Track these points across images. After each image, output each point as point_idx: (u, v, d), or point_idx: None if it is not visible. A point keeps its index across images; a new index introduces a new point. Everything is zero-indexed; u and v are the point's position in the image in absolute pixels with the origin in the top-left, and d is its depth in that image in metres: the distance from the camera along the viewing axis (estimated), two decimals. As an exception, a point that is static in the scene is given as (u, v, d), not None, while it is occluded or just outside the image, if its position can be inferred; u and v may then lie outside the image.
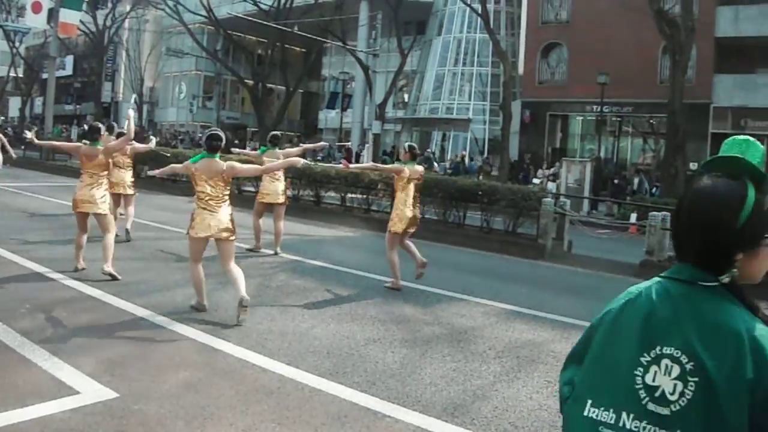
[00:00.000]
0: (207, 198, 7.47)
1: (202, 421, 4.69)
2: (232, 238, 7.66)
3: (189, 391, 5.19)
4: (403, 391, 5.51)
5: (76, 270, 9.14)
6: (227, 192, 7.67)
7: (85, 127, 10.14)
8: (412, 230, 9.70)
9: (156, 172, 8.71)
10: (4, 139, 17.71)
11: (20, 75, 59.99)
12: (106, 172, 9.46)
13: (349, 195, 17.88)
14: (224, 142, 7.80)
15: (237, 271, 7.54)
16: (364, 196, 17.45)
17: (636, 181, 29.13)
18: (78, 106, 60.48)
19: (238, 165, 7.99)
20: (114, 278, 8.71)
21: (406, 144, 10.01)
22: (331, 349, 6.49)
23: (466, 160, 35.98)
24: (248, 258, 11.26)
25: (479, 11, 33.10)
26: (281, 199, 11.95)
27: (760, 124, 29.98)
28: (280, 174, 11.88)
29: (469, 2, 36.95)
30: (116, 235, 11.89)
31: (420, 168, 9.85)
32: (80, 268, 9.19)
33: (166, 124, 59.21)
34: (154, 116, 63.49)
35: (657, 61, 31.84)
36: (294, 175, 18.57)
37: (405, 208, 9.49)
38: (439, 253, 13.73)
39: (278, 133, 12.37)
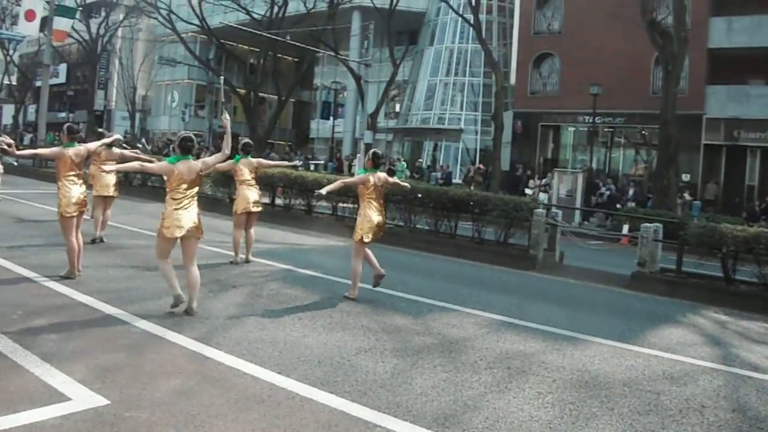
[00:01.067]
0: (182, 197, 7.73)
1: (192, 428, 4.69)
2: (201, 236, 7.97)
3: (180, 399, 5.18)
4: (394, 401, 5.51)
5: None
6: (196, 191, 7.95)
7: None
8: (378, 237, 9.63)
9: (119, 167, 9.04)
10: None
11: (14, 83, 59.91)
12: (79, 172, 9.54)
13: (341, 204, 17.87)
14: (195, 144, 8.09)
15: (196, 277, 7.84)
16: (355, 205, 17.41)
17: (630, 192, 29.20)
18: (71, 114, 60.26)
19: (207, 159, 8.36)
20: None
21: (371, 152, 9.93)
22: (322, 358, 6.49)
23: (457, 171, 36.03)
24: (241, 267, 11.24)
25: (471, 21, 33.25)
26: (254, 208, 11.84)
27: (753, 136, 30.10)
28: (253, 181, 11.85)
29: (461, 12, 37.13)
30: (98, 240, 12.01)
31: (383, 175, 9.79)
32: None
33: (158, 132, 59.13)
34: (146, 124, 63.41)
35: (649, 71, 31.92)
36: (285, 184, 18.58)
37: (372, 215, 9.46)
38: (430, 263, 13.76)
39: (249, 140, 12.27)
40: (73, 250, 9.20)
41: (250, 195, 11.69)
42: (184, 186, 7.75)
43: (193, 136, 8.15)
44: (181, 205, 7.71)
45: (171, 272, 7.78)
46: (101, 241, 12.35)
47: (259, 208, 11.95)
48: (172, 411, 4.92)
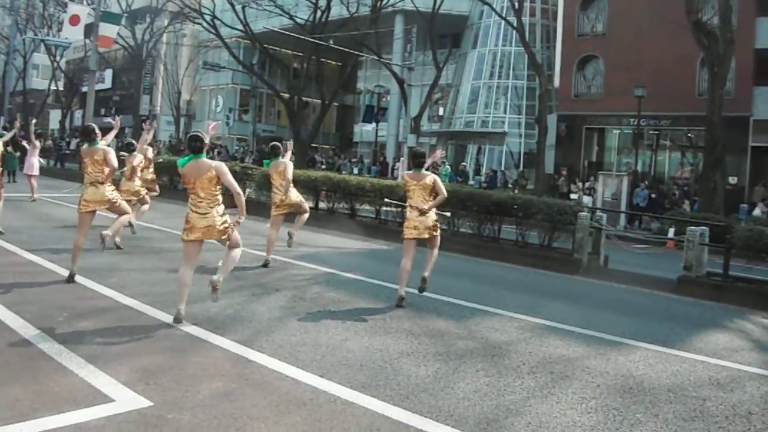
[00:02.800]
0: (198, 200, 7.50)
1: (234, 431, 4.71)
2: (224, 237, 7.62)
3: (222, 401, 5.21)
4: (436, 405, 5.48)
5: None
6: (218, 193, 7.59)
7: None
8: (424, 236, 9.56)
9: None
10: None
11: (60, 88, 61.08)
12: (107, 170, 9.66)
13: (384, 208, 17.89)
14: (204, 142, 7.58)
15: (235, 256, 7.73)
16: (399, 209, 17.43)
17: (675, 194, 28.76)
18: (117, 119, 61.34)
19: (225, 169, 7.63)
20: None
21: (411, 151, 9.90)
22: (363, 361, 6.48)
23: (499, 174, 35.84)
24: (284, 270, 11.31)
25: (514, 24, 33.12)
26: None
27: (801, 137, 29.48)
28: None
29: (504, 15, 36.97)
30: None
31: (426, 174, 9.53)
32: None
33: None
34: (191, 129, 64.09)
35: (695, 73, 31.47)
36: (329, 188, 18.66)
37: (412, 215, 9.50)
38: (473, 266, 13.71)
39: (278, 143, 12.33)
40: (77, 247, 9.32)
41: (281, 197, 11.78)
42: (196, 187, 7.46)
43: (201, 135, 7.62)
44: (198, 208, 7.49)
45: (184, 283, 7.50)
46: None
47: (284, 211, 11.91)
48: (214, 413, 4.95)
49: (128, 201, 12.57)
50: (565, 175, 32.25)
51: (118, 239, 11.99)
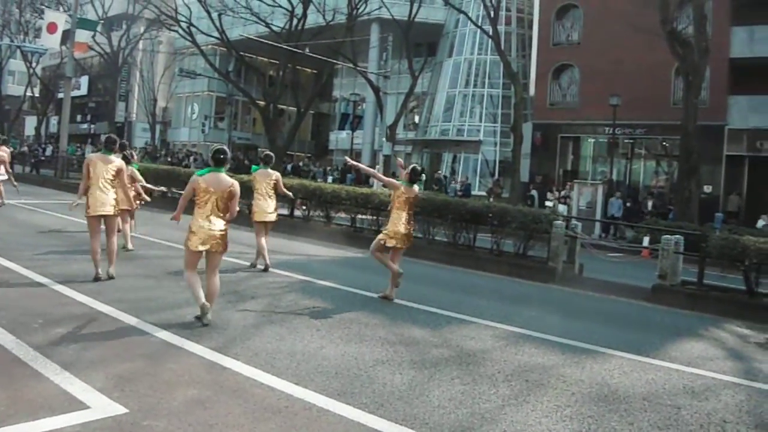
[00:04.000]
0: (208, 211, 7.76)
1: (209, 439, 4.70)
2: (223, 251, 7.98)
3: (197, 408, 5.19)
4: (411, 413, 5.49)
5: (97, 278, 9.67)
6: (228, 208, 7.93)
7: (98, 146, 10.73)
8: (404, 247, 10.11)
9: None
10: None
11: (36, 95, 60.62)
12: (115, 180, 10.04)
13: (359, 216, 17.88)
14: (229, 157, 8.04)
15: (215, 287, 7.96)
16: (374, 217, 17.44)
17: (649, 203, 28.93)
18: (92, 126, 60.92)
19: (237, 190, 8.01)
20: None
21: (411, 166, 10.21)
22: (339, 369, 6.48)
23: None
24: (259, 278, 11.28)
25: (490, 33, 33.25)
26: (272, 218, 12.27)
27: (777, 147, 29.79)
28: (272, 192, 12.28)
29: (479, 24, 37.13)
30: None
31: (416, 189, 10.14)
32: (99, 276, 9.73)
33: (178, 143, 59.45)
34: (166, 136, 63.83)
35: (670, 82, 31.70)
36: (304, 196, 18.62)
37: (399, 224, 9.94)
38: (448, 275, 13.73)
39: (270, 152, 12.60)
40: (94, 251, 9.76)
41: (265, 205, 12.07)
42: (212, 199, 7.75)
43: (226, 149, 8.07)
44: (207, 220, 7.74)
45: (196, 283, 7.79)
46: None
47: (274, 218, 12.31)
48: (189, 420, 4.93)
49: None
50: (539, 185, 32.42)
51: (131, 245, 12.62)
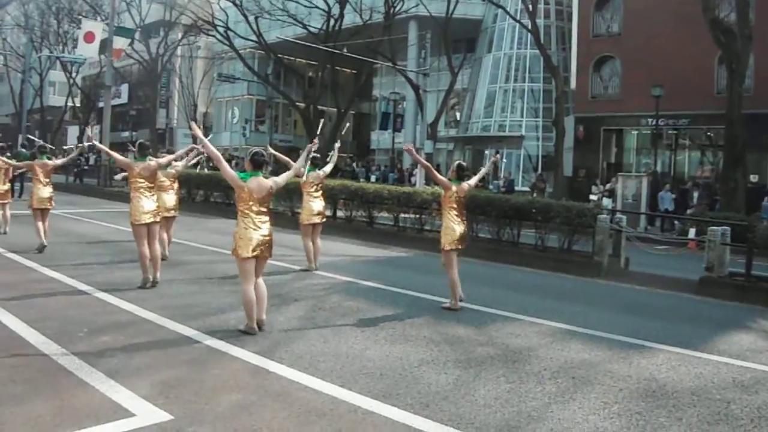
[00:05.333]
0: (253, 216, 7.68)
1: (254, 444, 4.71)
2: (269, 255, 7.90)
3: (242, 413, 5.21)
4: (457, 413, 5.45)
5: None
6: (267, 209, 7.92)
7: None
8: (462, 246, 9.76)
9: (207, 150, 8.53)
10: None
11: (77, 104, 61.51)
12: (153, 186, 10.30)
13: (402, 215, 17.86)
14: (267, 159, 8.20)
15: (263, 290, 7.87)
16: (417, 215, 17.40)
17: (695, 195, 28.42)
18: (134, 133, 61.64)
19: (277, 178, 8.09)
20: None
21: (456, 163, 10.11)
22: (384, 370, 6.46)
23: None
24: (302, 280, 11.33)
25: (529, 27, 32.99)
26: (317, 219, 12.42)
27: (823, 134, 29.14)
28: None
29: (518, 18, 36.88)
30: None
31: (465, 186, 9.88)
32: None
33: (220, 148, 59.82)
34: (206, 151, 64.23)
35: (713, 71, 31.18)
36: (347, 196, 18.67)
37: (454, 225, 9.63)
38: (493, 272, 13.66)
39: (318, 155, 12.66)
40: (143, 256, 9.95)
41: (314, 206, 12.26)
42: (255, 204, 7.67)
43: (263, 152, 8.10)
44: (253, 224, 7.63)
45: (252, 302, 7.61)
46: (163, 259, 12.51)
47: (322, 219, 12.51)
48: (234, 425, 4.95)
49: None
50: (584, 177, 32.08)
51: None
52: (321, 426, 5.05)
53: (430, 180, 30.88)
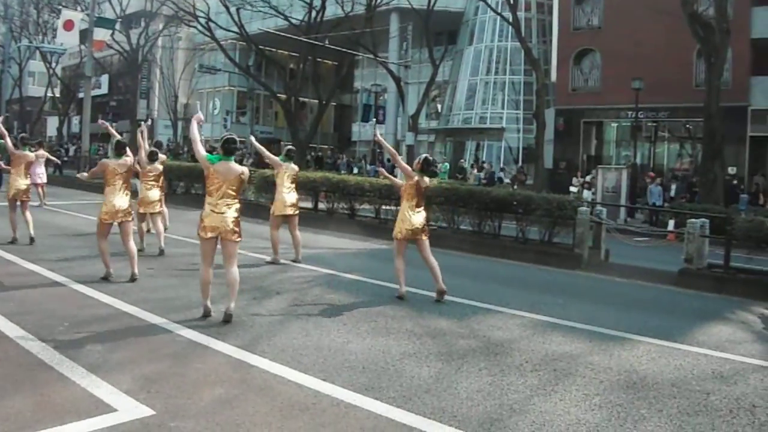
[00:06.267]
0: (217, 199, 7.81)
1: (237, 438, 4.70)
2: (238, 239, 7.97)
3: (225, 408, 5.19)
4: (439, 406, 5.46)
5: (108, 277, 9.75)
6: (237, 195, 8.02)
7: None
8: (419, 236, 9.75)
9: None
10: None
11: (57, 95, 61.04)
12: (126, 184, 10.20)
13: (384, 207, 17.86)
14: (239, 146, 8.14)
15: (233, 277, 7.92)
16: (398, 208, 17.36)
17: (673, 187, 28.63)
18: (114, 124, 61.10)
19: (247, 177, 8.26)
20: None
21: (423, 156, 10.09)
22: (366, 363, 6.47)
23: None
24: (284, 272, 11.30)
25: (510, 19, 33.06)
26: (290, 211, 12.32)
27: (800, 126, 29.55)
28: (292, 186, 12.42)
29: (499, 11, 36.92)
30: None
31: (427, 180, 9.91)
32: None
33: (201, 139, 59.72)
34: (189, 132, 64.05)
35: (692, 64, 31.47)
36: (328, 189, 18.64)
37: (409, 214, 9.71)
38: (474, 264, 13.69)
39: (293, 147, 12.79)
40: (101, 252, 9.94)
41: (287, 198, 12.16)
42: (222, 188, 7.81)
43: (237, 139, 8.21)
44: (216, 207, 7.79)
45: (206, 284, 7.87)
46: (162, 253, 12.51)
47: (296, 211, 12.41)
48: (217, 420, 4.93)
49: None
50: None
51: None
52: (304, 420, 5.04)
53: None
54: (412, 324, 8.15)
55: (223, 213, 7.78)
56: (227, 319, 7.65)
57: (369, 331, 7.68)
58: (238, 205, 8.01)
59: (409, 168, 9.89)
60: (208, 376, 5.92)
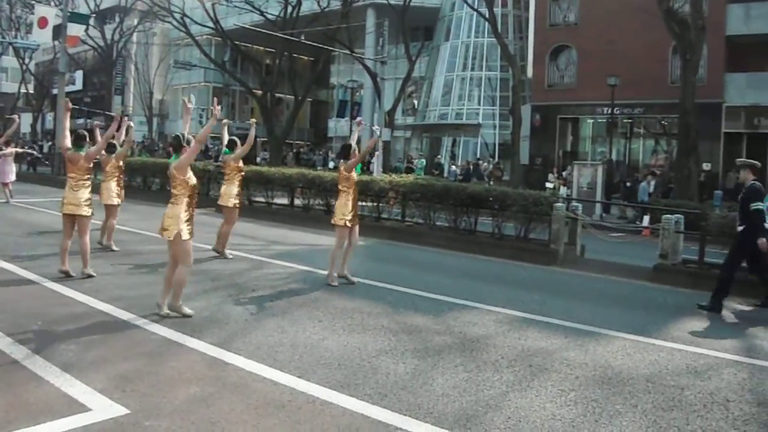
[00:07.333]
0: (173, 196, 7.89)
1: (213, 436, 4.67)
2: (163, 237, 7.98)
3: (200, 406, 5.16)
4: (415, 403, 5.47)
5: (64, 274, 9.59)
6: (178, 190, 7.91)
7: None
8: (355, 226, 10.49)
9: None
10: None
11: (31, 91, 60.38)
12: (88, 176, 9.94)
13: (360, 203, 17.79)
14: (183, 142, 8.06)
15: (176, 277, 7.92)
16: (375, 203, 17.37)
17: (653, 183, 28.77)
18: (89, 121, 60.67)
19: (181, 158, 8.06)
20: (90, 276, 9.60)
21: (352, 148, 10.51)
22: (342, 360, 6.46)
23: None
24: (260, 269, 11.26)
25: (486, 15, 33.10)
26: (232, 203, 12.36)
27: (774, 123, 29.90)
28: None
29: (476, 6, 36.97)
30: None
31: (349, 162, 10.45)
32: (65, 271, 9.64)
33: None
34: (164, 128, 63.64)
35: (667, 61, 31.68)
36: (304, 185, 18.59)
37: (350, 203, 10.38)
38: (450, 260, 13.70)
39: (234, 138, 12.63)
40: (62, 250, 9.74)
41: (233, 190, 12.35)
42: (174, 184, 7.89)
43: (180, 135, 8.13)
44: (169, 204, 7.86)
45: (167, 281, 7.92)
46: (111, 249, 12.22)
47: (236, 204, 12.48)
48: (192, 419, 4.91)
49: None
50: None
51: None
52: (279, 418, 5.03)
53: (386, 168, 30.95)
54: (388, 320, 8.15)
55: (166, 210, 7.93)
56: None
57: (345, 328, 7.67)
58: (177, 202, 7.97)
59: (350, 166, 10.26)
60: (183, 374, 5.89)
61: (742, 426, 5.45)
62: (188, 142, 7.93)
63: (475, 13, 38.39)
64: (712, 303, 9.94)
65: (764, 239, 9.75)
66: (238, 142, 12.72)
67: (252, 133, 12.70)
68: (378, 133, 11.56)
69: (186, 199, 7.82)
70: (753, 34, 29.51)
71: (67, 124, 8.41)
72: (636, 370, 6.69)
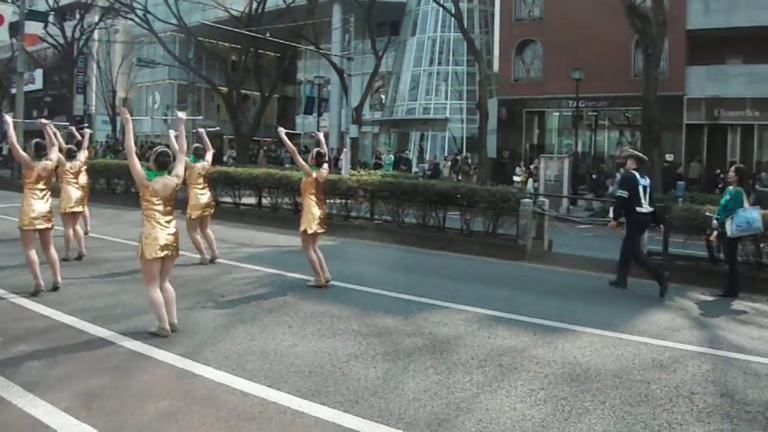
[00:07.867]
0: (159, 215, 7.38)
1: (182, 452, 4.63)
2: (176, 255, 7.66)
3: (169, 422, 5.10)
4: (387, 409, 5.46)
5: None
6: (172, 208, 7.65)
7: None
8: (323, 230, 10.38)
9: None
10: None
11: (-12, 90, 59.34)
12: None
13: (328, 201, 17.74)
14: (172, 158, 7.75)
15: (172, 294, 7.66)
16: (344, 201, 17.32)
17: (617, 175, 29.01)
18: (50, 120, 59.85)
19: (178, 171, 7.70)
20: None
21: (315, 150, 10.39)
22: (312, 367, 6.43)
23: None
24: (228, 274, 11.17)
25: (452, 10, 33.11)
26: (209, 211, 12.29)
27: (733, 114, 30.66)
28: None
29: (441, 2, 36.97)
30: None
31: (324, 172, 10.39)
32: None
33: (141, 135, 58.47)
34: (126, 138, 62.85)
35: (630, 54, 31.99)
36: (272, 185, 18.47)
37: (314, 209, 10.21)
38: (420, 258, 13.72)
39: (201, 145, 12.39)
40: (31, 263, 9.14)
41: (202, 199, 12.06)
42: (161, 204, 7.39)
43: (169, 152, 7.75)
44: (159, 223, 7.34)
45: (160, 305, 7.33)
46: (79, 258, 11.85)
47: (211, 211, 12.42)
48: (161, 435, 4.85)
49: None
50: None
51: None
52: (250, 430, 5.00)
53: (355, 164, 30.89)
54: (358, 324, 8.14)
55: (168, 230, 7.40)
56: (173, 329, 7.42)
57: (315, 333, 7.64)
58: (173, 219, 7.60)
59: (308, 165, 10.12)
60: (152, 388, 5.81)
61: (706, 418, 5.54)
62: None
63: (441, 8, 38.38)
64: (618, 279, 11.31)
65: (615, 222, 11.70)
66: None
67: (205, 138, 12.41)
68: (320, 136, 11.49)
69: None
70: (712, 28, 29.98)
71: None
72: (604, 365, 6.76)
